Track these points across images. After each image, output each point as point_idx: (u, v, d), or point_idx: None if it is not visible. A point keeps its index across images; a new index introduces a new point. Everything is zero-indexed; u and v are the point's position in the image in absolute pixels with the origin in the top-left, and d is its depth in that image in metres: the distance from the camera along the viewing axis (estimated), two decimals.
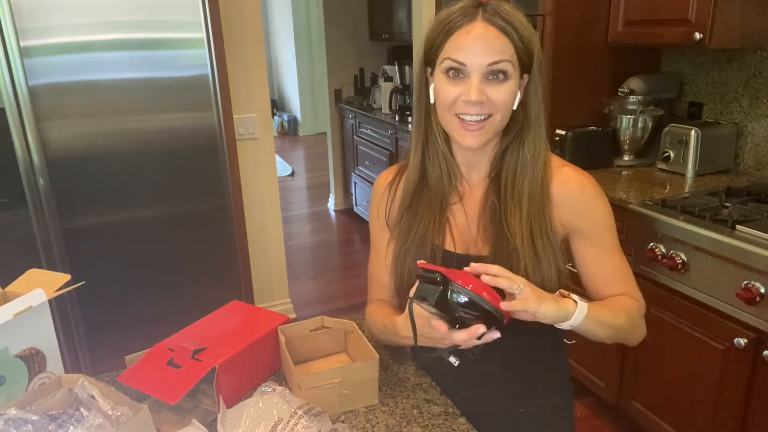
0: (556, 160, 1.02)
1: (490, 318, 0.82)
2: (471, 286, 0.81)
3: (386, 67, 4.31)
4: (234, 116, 2.18)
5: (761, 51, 2.07)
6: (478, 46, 0.88)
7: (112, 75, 1.89)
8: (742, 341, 1.56)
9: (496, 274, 0.83)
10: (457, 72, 0.91)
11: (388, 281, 1.11)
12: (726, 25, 1.87)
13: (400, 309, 1.11)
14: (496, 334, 0.84)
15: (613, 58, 2.34)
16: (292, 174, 6.40)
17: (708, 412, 1.72)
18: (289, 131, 8.51)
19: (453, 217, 1.03)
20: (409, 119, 3.66)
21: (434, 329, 0.83)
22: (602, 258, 1.01)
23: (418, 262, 0.87)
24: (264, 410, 0.87)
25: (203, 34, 1.95)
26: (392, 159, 3.87)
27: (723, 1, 1.84)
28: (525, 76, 0.94)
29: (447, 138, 1.00)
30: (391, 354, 1.13)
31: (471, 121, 0.92)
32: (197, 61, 1.97)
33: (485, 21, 0.89)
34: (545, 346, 1.09)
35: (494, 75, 0.90)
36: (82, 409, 0.81)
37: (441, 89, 0.93)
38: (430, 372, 1.08)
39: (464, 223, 1.03)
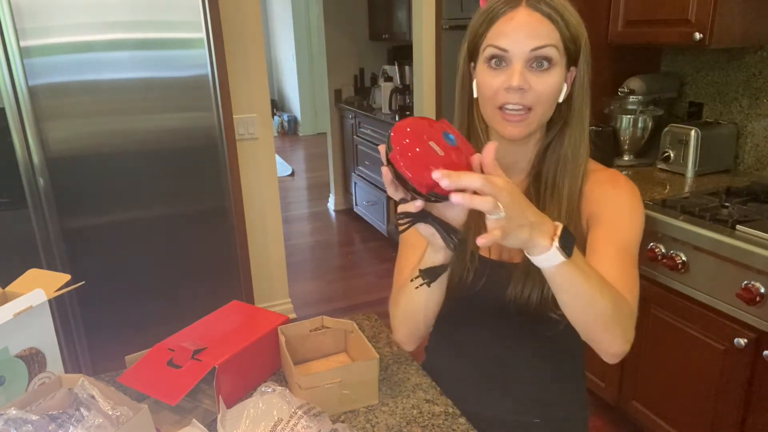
0: (596, 165, 1.00)
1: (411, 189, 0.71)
2: (410, 156, 0.69)
3: (386, 67, 4.31)
4: (234, 116, 2.18)
5: (761, 51, 2.07)
6: (521, 30, 0.86)
7: (112, 75, 1.89)
8: (742, 341, 1.56)
9: (476, 189, 0.65)
10: (499, 60, 0.88)
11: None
12: (726, 25, 1.87)
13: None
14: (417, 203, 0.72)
15: (613, 58, 2.34)
16: (292, 174, 6.40)
17: (708, 412, 1.72)
18: (289, 131, 8.51)
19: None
20: None
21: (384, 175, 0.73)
22: (611, 254, 0.90)
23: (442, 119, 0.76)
24: (264, 410, 0.86)
25: (203, 34, 1.95)
26: None
27: (723, 1, 1.84)
28: (572, 68, 0.91)
29: (488, 135, 0.98)
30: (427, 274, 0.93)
31: (512, 111, 0.88)
32: (197, 61, 1.97)
33: (529, 7, 0.86)
34: (565, 357, 1.07)
35: (538, 62, 0.86)
36: (82, 409, 0.81)
37: (483, 80, 0.90)
38: (439, 374, 1.07)
39: None
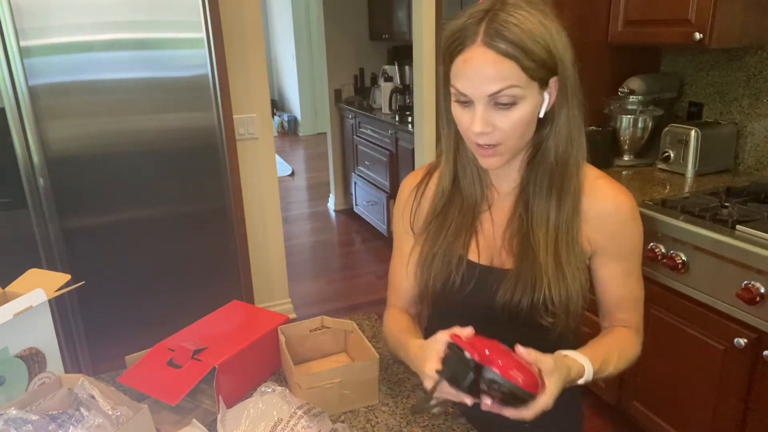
0: (592, 171, 0.97)
1: (519, 399, 0.78)
2: (503, 365, 0.76)
3: (386, 67, 4.31)
4: (234, 116, 2.18)
5: (761, 51, 2.07)
6: (477, 75, 0.83)
7: (112, 75, 1.89)
8: (742, 341, 1.56)
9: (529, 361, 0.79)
10: (464, 101, 0.87)
11: (407, 288, 1.08)
12: (726, 25, 1.87)
13: (418, 318, 1.10)
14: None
15: (613, 58, 2.34)
16: (292, 174, 6.40)
17: (708, 412, 1.72)
18: (289, 131, 8.51)
19: (480, 225, 1.01)
20: (410, 119, 3.66)
21: (458, 399, 0.80)
22: (619, 281, 0.98)
23: (450, 334, 0.81)
24: (264, 410, 0.87)
25: (203, 34, 1.95)
26: (392, 159, 3.87)
27: (723, 1, 1.84)
28: (553, 79, 0.87)
29: None
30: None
31: (484, 146, 0.88)
32: (197, 61, 1.97)
33: (485, 45, 0.81)
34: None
35: (501, 103, 0.84)
36: (82, 409, 0.81)
37: (456, 115, 0.90)
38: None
39: (491, 233, 1.00)
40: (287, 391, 0.91)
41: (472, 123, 0.86)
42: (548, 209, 0.93)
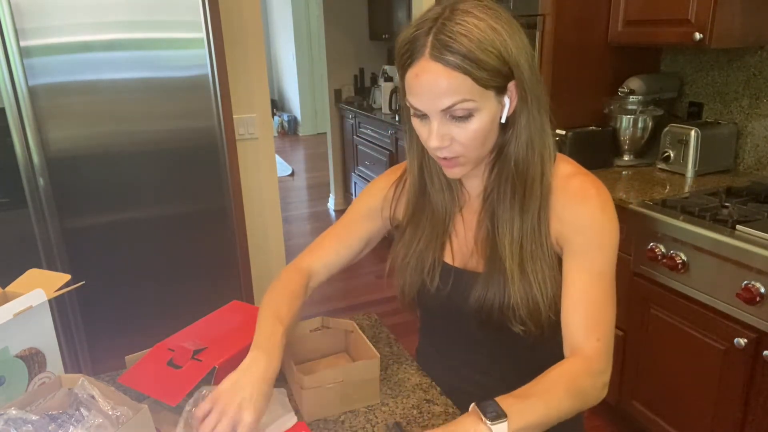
0: (567, 167, 0.92)
1: None
2: None
3: (386, 67, 4.31)
4: (234, 116, 2.18)
5: (761, 51, 2.07)
6: (428, 90, 0.80)
7: (112, 75, 1.89)
8: (742, 341, 1.56)
9: None
10: (420, 115, 0.85)
11: (333, 258, 1.08)
12: (726, 25, 1.87)
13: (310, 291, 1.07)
14: None
15: (613, 58, 2.34)
16: (292, 174, 6.40)
17: (708, 412, 1.72)
18: (289, 131, 8.51)
19: (454, 227, 1.00)
20: None
21: None
22: (582, 283, 0.87)
23: None
24: None
25: (203, 34, 1.95)
26: (392, 159, 3.87)
27: (723, 1, 1.84)
28: (511, 84, 0.84)
29: None
30: None
31: (446, 158, 0.87)
32: (197, 61, 1.97)
33: (433, 58, 0.78)
34: (538, 371, 1.01)
35: (455, 116, 0.82)
36: (82, 409, 0.81)
37: (415, 126, 0.88)
38: (432, 372, 1.08)
39: (463, 235, 0.99)
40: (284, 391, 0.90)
41: (429, 138, 0.84)
42: (512, 216, 0.90)
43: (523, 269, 0.89)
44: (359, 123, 4.37)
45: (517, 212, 0.90)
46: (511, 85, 0.84)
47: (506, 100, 0.85)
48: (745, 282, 1.53)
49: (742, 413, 1.62)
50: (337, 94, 4.72)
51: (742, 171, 2.19)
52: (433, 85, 0.79)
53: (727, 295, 1.59)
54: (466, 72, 0.78)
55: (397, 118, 3.87)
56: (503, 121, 0.86)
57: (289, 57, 8.17)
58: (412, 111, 0.87)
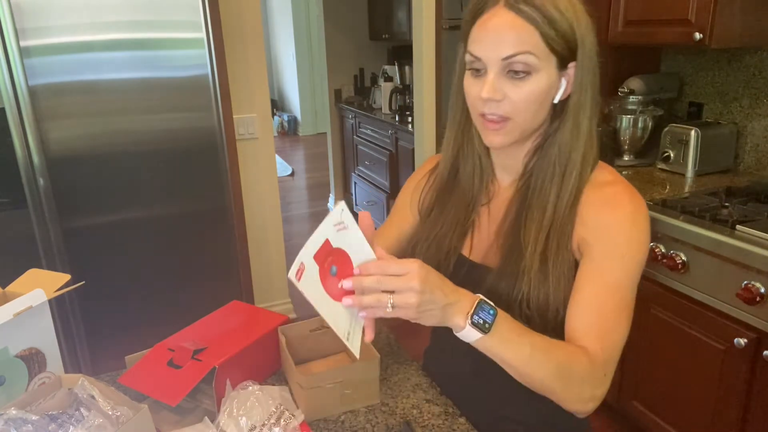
0: (607, 176, 0.89)
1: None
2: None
3: (386, 67, 4.31)
4: (234, 116, 2.18)
5: (761, 51, 2.07)
6: (493, 37, 0.80)
7: (112, 75, 1.89)
8: (742, 341, 1.56)
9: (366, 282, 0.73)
10: (477, 67, 0.83)
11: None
12: (726, 25, 1.87)
13: None
14: None
15: (613, 58, 2.34)
16: (292, 174, 6.40)
17: (708, 412, 1.72)
18: (289, 131, 8.51)
19: (478, 219, 0.98)
20: (410, 119, 3.66)
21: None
22: (595, 289, 0.83)
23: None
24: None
25: (203, 34, 1.95)
26: (392, 159, 3.87)
27: (723, 1, 1.84)
28: (572, 64, 0.83)
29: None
30: None
31: (491, 117, 0.84)
32: (197, 61, 1.97)
33: (507, 6, 0.79)
34: None
35: (513, 71, 0.80)
36: (82, 409, 0.81)
37: (466, 87, 0.86)
38: (434, 375, 1.07)
39: (486, 228, 0.97)
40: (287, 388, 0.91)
41: (481, 90, 0.82)
42: (545, 204, 0.87)
43: (544, 261, 0.86)
44: (359, 123, 4.37)
45: (551, 200, 0.87)
46: (572, 66, 0.84)
47: (563, 81, 0.84)
48: (745, 282, 1.53)
49: (742, 413, 1.62)
50: (337, 94, 4.72)
51: (742, 171, 2.19)
52: (500, 30, 0.80)
53: (727, 295, 1.59)
54: (536, 25, 0.79)
55: (396, 118, 3.87)
56: (556, 101, 0.85)
57: (289, 57, 8.17)
58: (468, 67, 0.85)
